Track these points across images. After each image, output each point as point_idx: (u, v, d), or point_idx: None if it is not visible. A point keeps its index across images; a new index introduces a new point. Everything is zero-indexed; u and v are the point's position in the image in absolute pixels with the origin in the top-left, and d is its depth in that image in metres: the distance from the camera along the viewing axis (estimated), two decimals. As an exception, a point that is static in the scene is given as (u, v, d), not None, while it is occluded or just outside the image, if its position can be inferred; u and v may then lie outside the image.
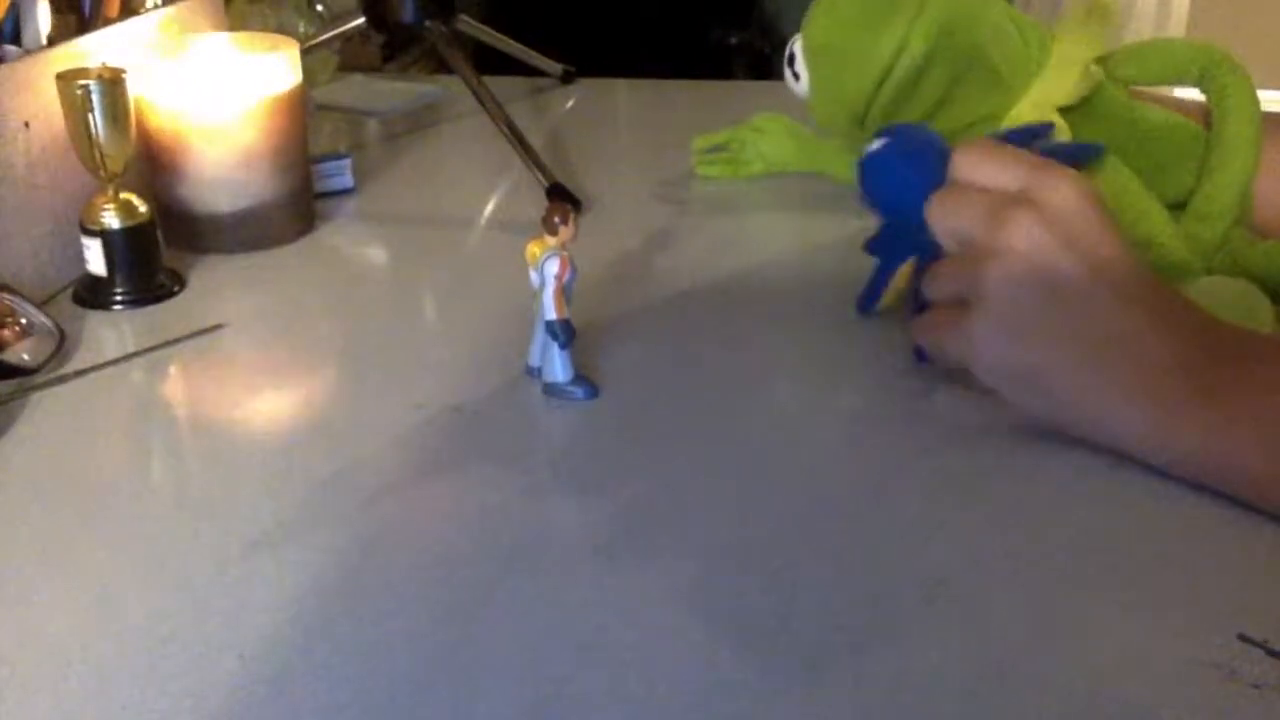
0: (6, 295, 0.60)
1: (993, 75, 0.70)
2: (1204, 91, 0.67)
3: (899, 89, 0.69)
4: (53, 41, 0.68)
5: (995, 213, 0.50)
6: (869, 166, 0.59)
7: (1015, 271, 0.49)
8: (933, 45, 0.68)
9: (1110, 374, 0.49)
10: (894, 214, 0.59)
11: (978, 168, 0.53)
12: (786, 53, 0.76)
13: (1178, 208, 0.67)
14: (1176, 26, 1.72)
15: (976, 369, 0.52)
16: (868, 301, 0.63)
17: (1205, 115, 0.68)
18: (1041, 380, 0.50)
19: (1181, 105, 0.69)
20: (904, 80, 0.69)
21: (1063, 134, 0.68)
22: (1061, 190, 0.50)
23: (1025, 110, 0.70)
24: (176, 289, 0.68)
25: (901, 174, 0.58)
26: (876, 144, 0.59)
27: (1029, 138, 0.57)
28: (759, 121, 0.87)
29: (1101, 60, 0.69)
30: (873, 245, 0.63)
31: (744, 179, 0.86)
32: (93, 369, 0.59)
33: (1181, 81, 0.69)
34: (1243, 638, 0.40)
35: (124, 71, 0.66)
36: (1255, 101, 0.66)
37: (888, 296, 0.63)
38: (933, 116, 0.71)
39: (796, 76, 0.75)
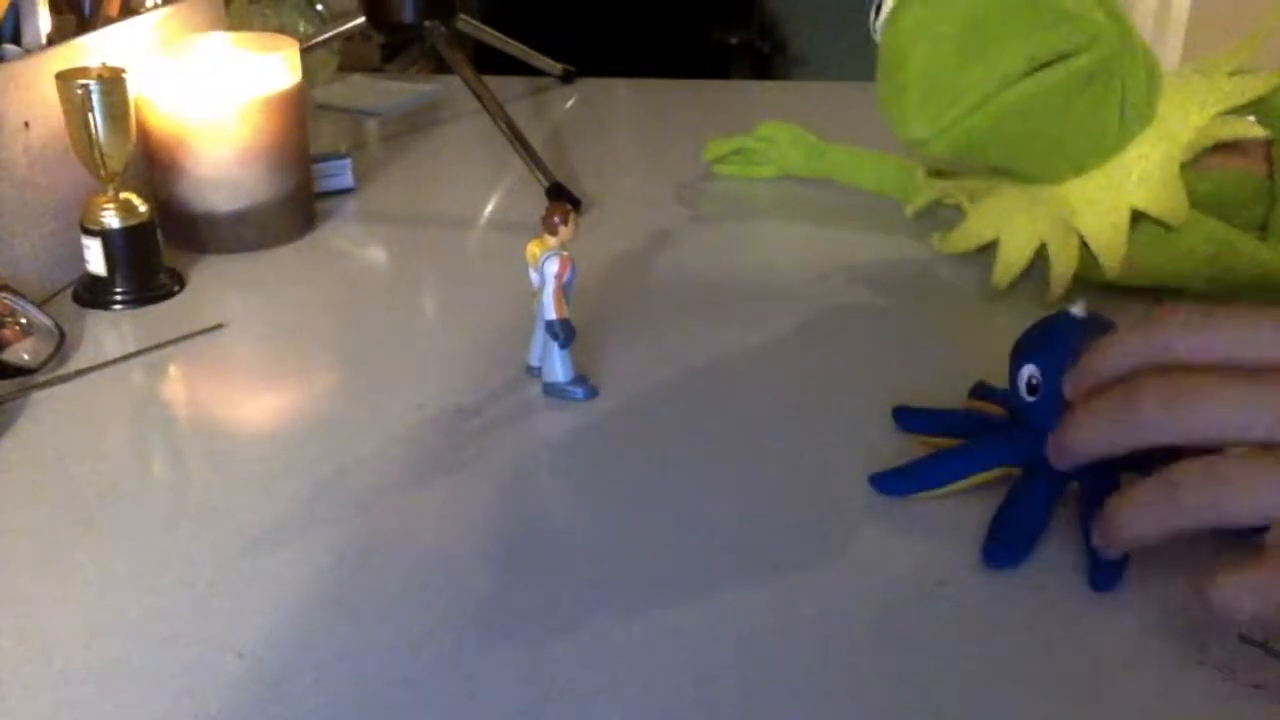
0: (6, 295, 0.60)
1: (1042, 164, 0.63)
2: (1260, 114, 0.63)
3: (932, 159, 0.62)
4: (53, 41, 0.68)
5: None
6: (1066, 325, 0.46)
7: None
8: (960, 154, 0.59)
9: None
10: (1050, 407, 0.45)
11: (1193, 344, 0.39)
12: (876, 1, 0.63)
13: None
14: (1176, 26, 1.71)
15: None
16: (916, 485, 0.48)
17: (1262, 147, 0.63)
18: None
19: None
20: (936, 158, 0.61)
21: None
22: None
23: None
24: (176, 289, 0.68)
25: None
26: (1079, 308, 0.46)
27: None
28: (765, 130, 0.87)
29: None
30: (963, 419, 0.51)
31: (747, 180, 0.86)
32: (93, 369, 0.59)
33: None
34: (1243, 638, 0.40)
35: (124, 71, 0.66)
36: None
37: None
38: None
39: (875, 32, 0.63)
